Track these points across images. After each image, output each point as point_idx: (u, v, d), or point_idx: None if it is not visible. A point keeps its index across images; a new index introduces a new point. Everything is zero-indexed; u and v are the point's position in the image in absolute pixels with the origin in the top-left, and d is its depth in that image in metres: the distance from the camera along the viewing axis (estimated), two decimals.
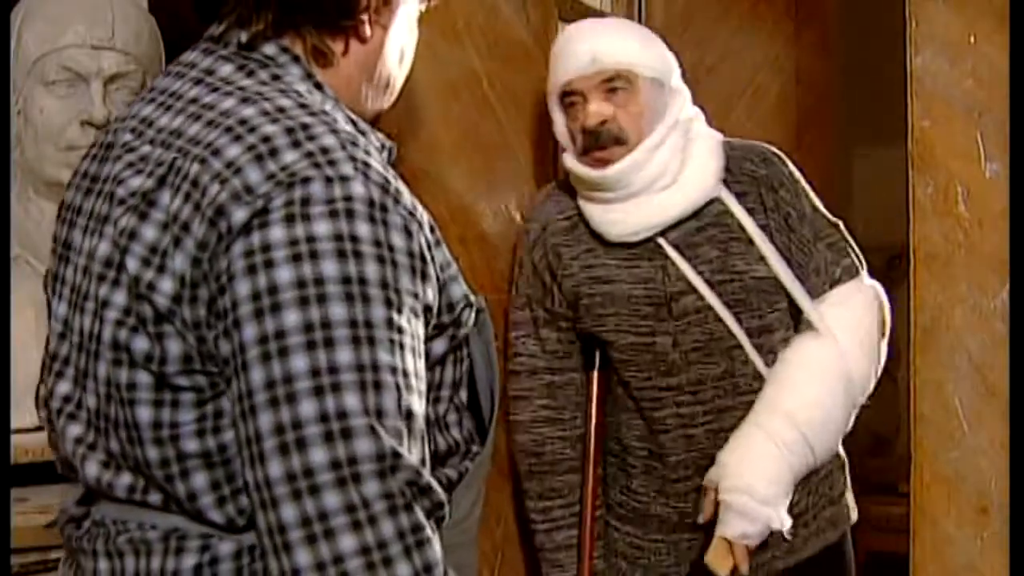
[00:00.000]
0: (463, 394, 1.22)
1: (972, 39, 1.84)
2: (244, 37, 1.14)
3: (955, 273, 1.87)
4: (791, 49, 3.02)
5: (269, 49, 1.14)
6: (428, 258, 1.07)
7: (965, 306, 1.86)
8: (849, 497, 2.04)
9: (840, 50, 3.34)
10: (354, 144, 1.06)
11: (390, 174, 1.09)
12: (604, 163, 1.86)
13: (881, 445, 3.66)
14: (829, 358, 1.88)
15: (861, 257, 1.99)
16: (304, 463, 0.97)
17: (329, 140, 1.05)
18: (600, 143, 1.85)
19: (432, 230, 1.11)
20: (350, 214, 1.01)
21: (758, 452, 1.80)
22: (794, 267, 1.93)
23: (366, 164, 1.05)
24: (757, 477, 1.78)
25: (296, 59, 1.15)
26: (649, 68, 1.87)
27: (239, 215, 1.00)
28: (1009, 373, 1.77)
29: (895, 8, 1.92)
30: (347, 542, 0.97)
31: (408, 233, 1.04)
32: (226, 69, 1.13)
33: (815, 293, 1.92)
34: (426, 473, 1.02)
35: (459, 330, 1.15)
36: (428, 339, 1.11)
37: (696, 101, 2.00)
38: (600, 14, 2.39)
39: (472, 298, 1.17)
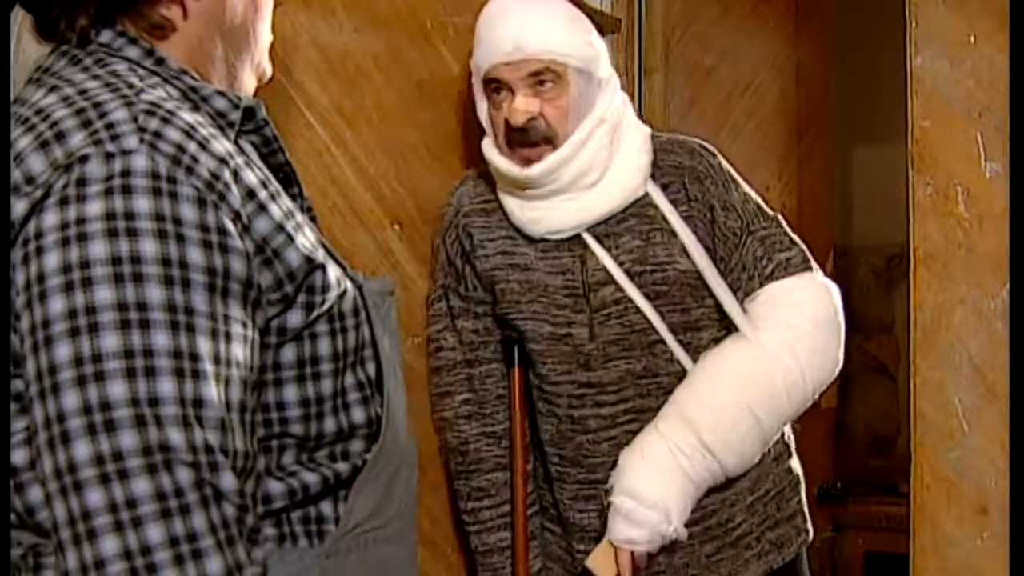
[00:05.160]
0: (369, 368, 1.15)
1: (972, 39, 1.84)
2: (76, 31, 1.10)
3: (955, 273, 1.87)
4: (791, 49, 3.02)
5: (104, 36, 1.10)
6: (231, 230, 0.99)
7: (965, 306, 1.86)
8: (801, 518, 1.90)
9: (840, 50, 3.34)
10: (150, 113, 1.00)
11: (222, 143, 1.03)
12: (528, 161, 1.77)
13: (881, 445, 3.65)
14: (747, 362, 1.75)
15: (806, 252, 1.84)
16: (67, 458, 0.91)
17: (119, 114, 0.99)
18: (528, 140, 1.75)
19: (251, 195, 1.03)
20: (127, 190, 0.95)
21: (652, 456, 1.71)
22: (719, 261, 1.82)
23: (157, 134, 0.98)
24: (647, 482, 1.69)
25: (133, 40, 1.10)
26: (576, 59, 1.76)
27: (18, 208, 0.96)
28: (1009, 373, 1.77)
29: (895, 8, 1.92)
30: (109, 544, 0.89)
31: (202, 205, 0.97)
32: (59, 64, 1.10)
33: (745, 290, 1.80)
34: (221, 461, 0.94)
35: (315, 296, 1.08)
36: (279, 313, 1.05)
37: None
38: (600, 14, 2.39)
39: (317, 258, 1.08)
